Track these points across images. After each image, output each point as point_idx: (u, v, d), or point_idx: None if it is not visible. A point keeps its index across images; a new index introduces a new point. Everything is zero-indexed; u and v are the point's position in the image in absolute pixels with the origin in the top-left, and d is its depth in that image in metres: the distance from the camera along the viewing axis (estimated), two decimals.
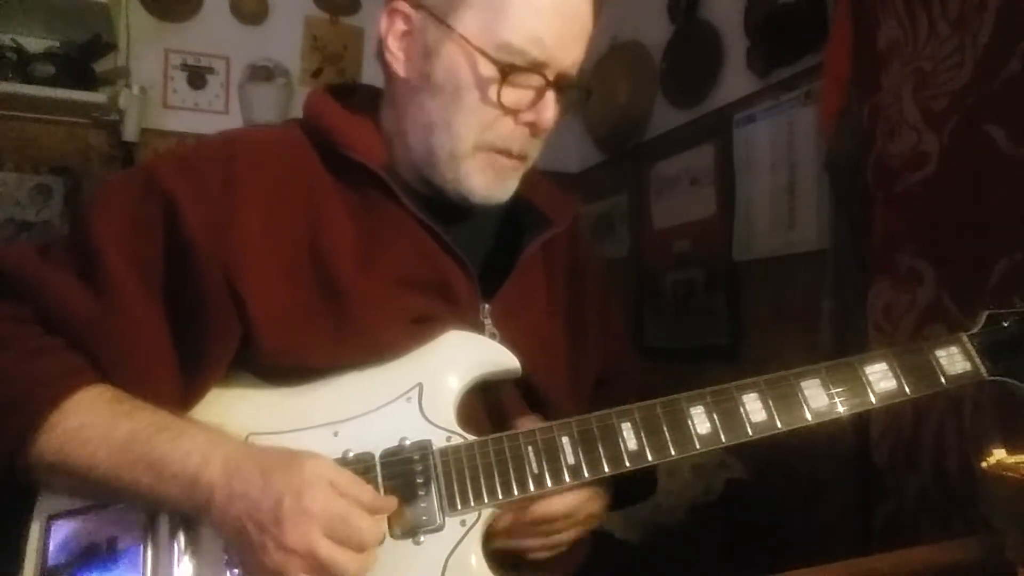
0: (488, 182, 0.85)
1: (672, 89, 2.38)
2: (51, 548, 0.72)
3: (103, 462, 0.69)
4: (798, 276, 1.87)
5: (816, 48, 1.79)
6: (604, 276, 1.08)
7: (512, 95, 0.82)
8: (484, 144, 0.84)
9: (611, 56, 2.61)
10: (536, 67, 0.81)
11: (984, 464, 0.72)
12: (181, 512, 0.71)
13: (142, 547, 0.72)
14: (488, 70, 0.81)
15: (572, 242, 1.01)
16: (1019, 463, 0.72)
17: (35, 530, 0.72)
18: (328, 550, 0.66)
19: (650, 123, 2.48)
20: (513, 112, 0.83)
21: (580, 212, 1.04)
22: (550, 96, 0.83)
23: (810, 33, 1.82)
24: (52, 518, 0.73)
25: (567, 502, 0.80)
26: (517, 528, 0.79)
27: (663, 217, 2.40)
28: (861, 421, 1.58)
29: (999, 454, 0.73)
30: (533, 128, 0.84)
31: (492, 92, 0.81)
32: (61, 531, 0.72)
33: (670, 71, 2.40)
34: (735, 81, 2.12)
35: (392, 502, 0.72)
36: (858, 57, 1.64)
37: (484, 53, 0.80)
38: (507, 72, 0.80)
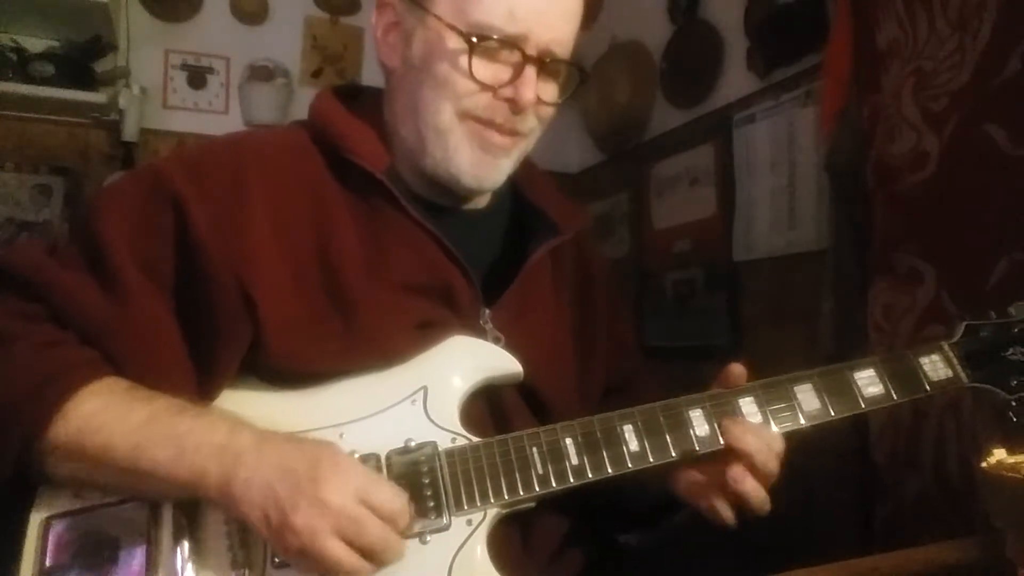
0: (476, 158, 0.84)
1: (672, 89, 2.38)
2: (49, 549, 0.71)
3: (120, 442, 0.69)
4: (798, 276, 1.87)
5: (816, 48, 1.79)
6: (613, 285, 1.08)
7: (487, 69, 0.81)
8: (464, 112, 0.83)
9: (611, 56, 2.61)
10: (511, 42, 0.81)
11: (984, 464, 0.73)
12: (199, 486, 0.69)
13: (144, 547, 0.71)
14: (456, 43, 0.81)
15: (582, 250, 1.01)
16: (1019, 463, 0.72)
17: (33, 530, 0.72)
18: (361, 511, 0.67)
19: (650, 123, 2.48)
20: (491, 87, 0.82)
21: (588, 222, 1.04)
22: (530, 72, 0.82)
23: (810, 33, 1.81)
24: (51, 519, 0.73)
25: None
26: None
27: (663, 217, 2.40)
28: (861, 420, 1.58)
29: (999, 454, 0.73)
30: (513, 104, 0.83)
31: (463, 63, 0.81)
32: (60, 532, 0.72)
33: (670, 71, 2.40)
34: (735, 81, 2.12)
35: (404, 493, 0.72)
36: (858, 57, 1.64)
37: (454, 28, 0.81)
38: (474, 44, 0.80)
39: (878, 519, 1.54)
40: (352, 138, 0.86)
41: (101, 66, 2.34)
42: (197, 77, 2.56)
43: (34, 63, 2.21)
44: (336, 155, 0.85)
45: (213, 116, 2.56)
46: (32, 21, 2.26)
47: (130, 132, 2.37)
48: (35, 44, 2.29)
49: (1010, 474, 0.71)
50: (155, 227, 0.77)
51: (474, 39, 0.80)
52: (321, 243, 0.81)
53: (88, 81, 2.28)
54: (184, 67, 2.55)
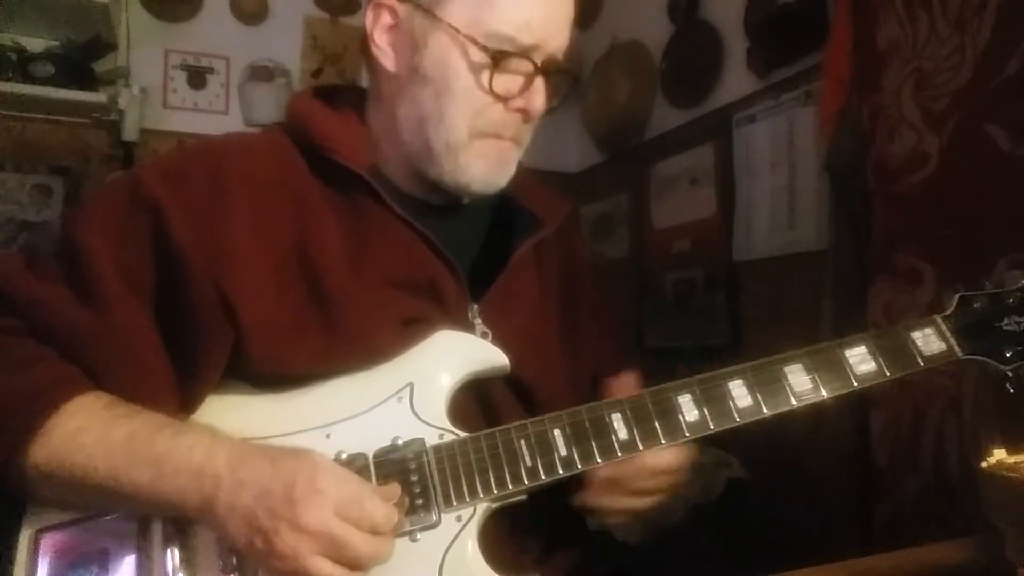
0: (489, 168, 0.85)
1: (672, 89, 2.38)
2: (40, 562, 0.71)
3: (100, 464, 0.68)
4: (798, 276, 1.87)
5: (816, 48, 1.79)
6: (593, 273, 1.07)
7: (502, 82, 0.82)
8: (478, 131, 0.84)
9: (611, 56, 2.61)
10: (526, 52, 0.81)
11: (984, 464, 0.72)
12: (182, 509, 0.69)
13: (135, 558, 0.71)
14: (479, 57, 0.81)
15: (564, 240, 1.00)
16: (1019, 463, 0.72)
17: (23, 544, 0.71)
18: (343, 529, 0.66)
19: (650, 123, 2.48)
20: (504, 99, 0.83)
21: (574, 209, 1.04)
22: (539, 82, 0.83)
23: (810, 33, 1.81)
24: (41, 531, 0.72)
25: (680, 456, 0.83)
26: (616, 482, 0.81)
27: (663, 217, 2.40)
28: (861, 420, 1.58)
29: (999, 454, 0.73)
30: (524, 114, 0.84)
31: (484, 79, 0.81)
32: (50, 544, 0.71)
33: (670, 71, 2.39)
34: (735, 81, 2.11)
35: (396, 488, 0.72)
36: (858, 57, 1.63)
37: (474, 41, 0.80)
38: (498, 59, 0.80)
39: (878, 519, 1.54)
40: (332, 136, 0.85)
41: (101, 66, 2.34)
42: (197, 77, 2.56)
43: (34, 63, 2.21)
44: (317, 155, 0.84)
45: (213, 116, 2.56)
46: (32, 21, 2.26)
47: (130, 132, 2.37)
48: (35, 44, 2.29)
49: (1010, 474, 0.70)
50: (133, 233, 0.76)
51: (498, 55, 0.80)
52: (302, 243, 0.80)
53: (88, 81, 2.28)
54: (184, 67, 2.55)
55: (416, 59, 0.84)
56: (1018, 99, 1.33)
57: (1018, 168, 1.32)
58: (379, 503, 0.69)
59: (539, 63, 0.83)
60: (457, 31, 0.81)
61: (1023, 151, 1.32)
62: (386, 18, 0.86)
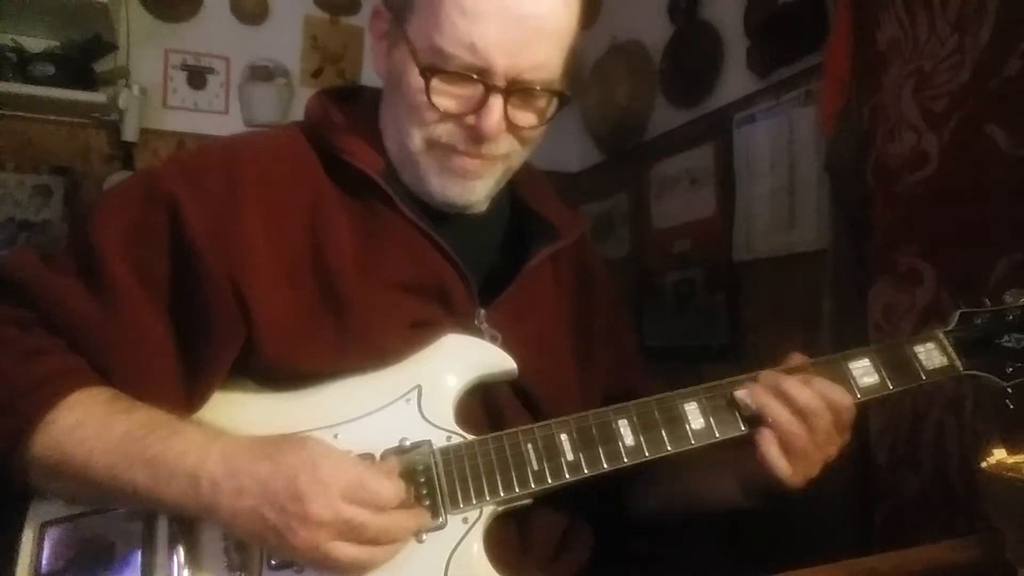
0: (445, 182, 0.84)
1: (672, 89, 2.38)
2: (45, 555, 0.71)
3: (98, 460, 0.68)
4: (798, 276, 1.87)
5: (816, 48, 1.79)
6: (612, 289, 1.08)
7: (449, 99, 0.80)
8: (431, 141, 0.83)
9: (611, 56, 2.61)
10: (474, 72, 0.78)
11: (984, 464, 0.73)
12: (181, 511, 0.70)
13: (140, 553, 0.71)
14: (417, 72, 0.80)
15: (582, 256, 1.01)
16: (1019, 463, 0.72)
17: (28, 537, 0.72)
18: (353, 512, 0.66)
19: (650, 123, 2.48)
20: (455, 116, 0.81)
21: (587, 228, 1.05)
22: (495, 102, 0.79)
23: (810, 33, 1.81)
24: (46, 525, 0.72)
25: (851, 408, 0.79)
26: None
27: (663, 217, 2.40)
28: (861, 421, 1.58)
29: (999, 454, 0.73)
30: (474, 133, 0.81)
31: (423, 95, 0.80)
32: (55, 538, 0.72)
33: (670, 71, 2.39)
34: (735, 81, 2.11)
35: (393, 462, 0.72)
36: (858, 57, 1.63)
37: (415, 55, 0.80)
38: (428, 76, 0.79)
39: (878, 519, 1.54)
40: (347, 139, 0.86)
41: (101, 66, 2.34)
42: (197, 77, 2.56)
43: (34, 63, 2.21)
44: (332, 156, 0.85)
45: (213, 116, 2.56)
46: (32, 21, 2.26)
47: (130, 132, 2.37)
48: (35, 44, 2.28)
49: (1010, 474, 0.70)
50: (149, 229, 0.77)
51: (429, 72, 0.79)
52: (315, 243, 0.81)
53: (88, 81, 2.28)
54: (184, 67, 2.55)
55: (388, 66, 0.86)
56: (1018, 99, 1.34)
57: (1018, 168, 1.33)
58: (382, 479, 0.69)
59: (498, 83, 0.79)
60: (409, 43, 0.81)
61: (1023, 151, 1.33)
62: (380, 24, 0.88)
